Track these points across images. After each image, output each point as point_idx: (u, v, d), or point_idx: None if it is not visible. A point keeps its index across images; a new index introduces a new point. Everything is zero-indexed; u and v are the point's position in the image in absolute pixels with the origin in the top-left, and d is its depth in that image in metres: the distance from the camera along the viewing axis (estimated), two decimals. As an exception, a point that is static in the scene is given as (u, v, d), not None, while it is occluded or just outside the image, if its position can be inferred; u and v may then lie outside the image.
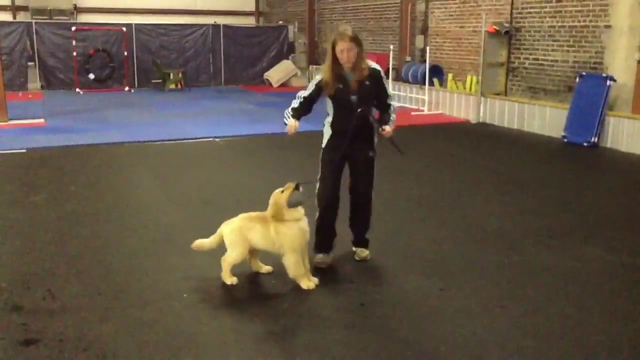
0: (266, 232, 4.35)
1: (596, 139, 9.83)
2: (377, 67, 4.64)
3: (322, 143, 4.78)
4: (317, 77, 4.64)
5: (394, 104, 4.82)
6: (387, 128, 4.57)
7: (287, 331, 3.77)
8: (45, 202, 6.52)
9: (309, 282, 4.36)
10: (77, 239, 5.43)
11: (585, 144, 9.89)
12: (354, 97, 4.51)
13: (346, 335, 3.73)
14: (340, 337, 3.69)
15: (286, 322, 3.88)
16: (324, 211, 4.75)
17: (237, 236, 4.37)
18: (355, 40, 4.41)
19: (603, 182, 7.92)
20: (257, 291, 4.42)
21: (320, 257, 4.77)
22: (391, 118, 4.65)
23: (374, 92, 4.60)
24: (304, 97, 4.65)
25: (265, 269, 4.60)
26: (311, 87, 4.66)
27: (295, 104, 4.66)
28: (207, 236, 4.43)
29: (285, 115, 4.63)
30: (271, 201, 4.39)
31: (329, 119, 4.72)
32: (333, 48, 4.45)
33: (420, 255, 5.04)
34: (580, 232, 5.68)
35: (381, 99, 4.66)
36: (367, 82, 4.52)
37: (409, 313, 4.03)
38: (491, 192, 7.12)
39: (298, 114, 4.62)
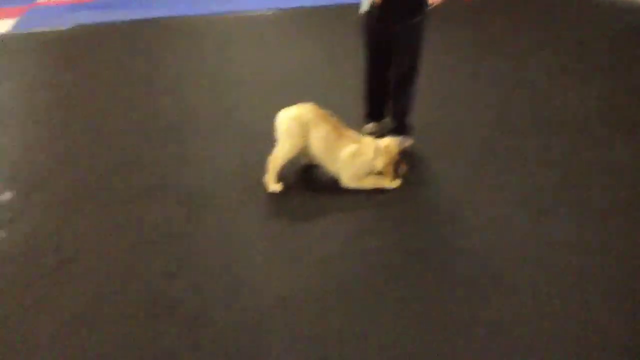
0: (336, 144, 3.70)
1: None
2: None
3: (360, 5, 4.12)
4: None
5: None
6: None
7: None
8: (77, 83, 6.32)
9: (391, 182, 3.79)
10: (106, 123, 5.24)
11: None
12: None
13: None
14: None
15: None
16: (371, 82, 4.30)
17: (295, 125, 3.69)
18: None
19: None
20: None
21: (369, 126, 4.45)
22: None
23: None
24: None
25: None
26: None
27: None
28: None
29: None
30: (386, 150, 3.75)
31: None
32: None
33: (464, 146, 4.46)
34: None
35: None
36: None
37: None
38: (569, 78, 5.98)
39: None
